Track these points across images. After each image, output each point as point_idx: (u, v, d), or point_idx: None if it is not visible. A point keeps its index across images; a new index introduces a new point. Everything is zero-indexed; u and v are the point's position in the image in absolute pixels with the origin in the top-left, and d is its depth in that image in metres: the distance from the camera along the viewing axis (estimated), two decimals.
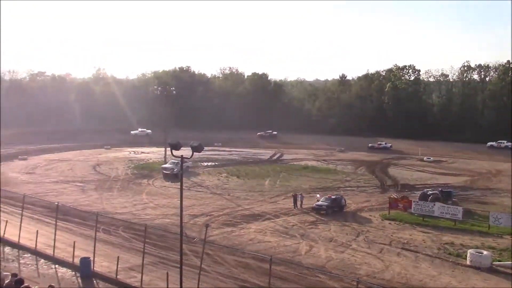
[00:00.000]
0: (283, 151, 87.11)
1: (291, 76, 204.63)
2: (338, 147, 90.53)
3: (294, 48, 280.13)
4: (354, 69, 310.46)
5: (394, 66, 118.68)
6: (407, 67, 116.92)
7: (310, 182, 58.16)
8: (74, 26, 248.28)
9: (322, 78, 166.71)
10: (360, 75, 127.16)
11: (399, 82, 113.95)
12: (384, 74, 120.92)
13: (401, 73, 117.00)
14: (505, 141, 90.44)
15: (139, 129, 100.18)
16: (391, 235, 35.63)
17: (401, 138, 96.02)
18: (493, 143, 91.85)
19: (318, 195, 46.58)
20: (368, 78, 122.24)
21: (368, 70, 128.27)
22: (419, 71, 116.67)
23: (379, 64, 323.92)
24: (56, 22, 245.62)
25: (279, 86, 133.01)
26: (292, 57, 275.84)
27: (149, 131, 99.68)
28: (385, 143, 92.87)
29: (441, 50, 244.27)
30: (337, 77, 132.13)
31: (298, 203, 44.36)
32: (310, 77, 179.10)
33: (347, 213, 42.66)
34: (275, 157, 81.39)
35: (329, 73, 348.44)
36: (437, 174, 65.97)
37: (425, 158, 78.98)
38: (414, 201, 42.55)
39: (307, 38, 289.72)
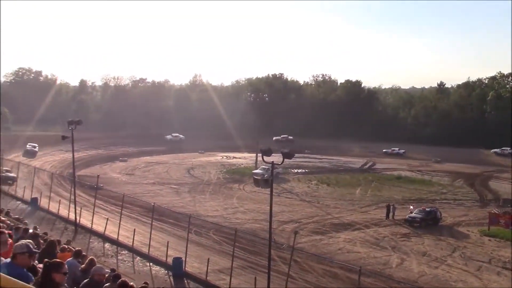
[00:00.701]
0: (375, 160, 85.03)
1: (385, 84, 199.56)
2: (434, 158, 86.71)
3: (389, 55, 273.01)
4: (453, 77, 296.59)
5: (498, 73, 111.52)
6: None
7: (403, 193, 56.28)
8: (173, 35, 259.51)
9: (419, 86, 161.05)
10: (459, 83, 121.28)
11: (504, 91, 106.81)
12: (486, 82, 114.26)
13: (506, 81, 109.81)
14: (508, 148, 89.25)
15: (173, 134, 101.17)
16: (491, 253, 33.55)
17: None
18: (497, 149, 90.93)
19: (411, 207, 44.97)
20: (468, 86, 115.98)
21: (469, 77, 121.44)
22: None
23: (481, 71, 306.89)
24: (156, 31, 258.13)
25: (373, 94, 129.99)
26: (387, 64, 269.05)
27: (182, 136, 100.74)
28: (398, 149, 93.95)
29: None
30: (434, 85, 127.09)
31: (390, 214, 43.09)
32: (405, 85, 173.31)
33: (442, 227, 40.79)
34: (366, 166, 79.68)
35: (426, 81, 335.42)
36: None
37: None
38: None
39: (402, 44, 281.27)
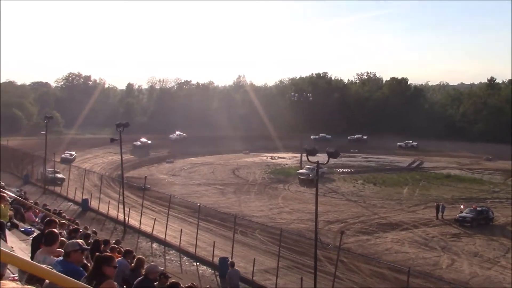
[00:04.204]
0: (423, 158, 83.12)
1: (433, 80, 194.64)
2: (485, 155, 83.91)
3: (437, 51, 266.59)
4: (505, 72, 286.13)
5: None
6: None
7: (453, 192, 54.76)
8: (217, 36, 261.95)
9: (468, 82, 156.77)
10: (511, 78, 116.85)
11: None
12: None
13: None
14: None
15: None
16: None
17: None
18: None
19: (462, 206, 43.73)
20: None
21: None
22: None
23: None
24: (201, 33, 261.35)
25: (420, 91, 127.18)
26: (434, 60, 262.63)
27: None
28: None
29: None
30: (484, 80, 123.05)
31: (439, 213, 42.00)
32: (454, 81, 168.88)
33: (494, 227, 39.44)
34: (414, 165, 77.96)
35: (475, 77, 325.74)
36: None
37: None
38: None
39: (449, 40, 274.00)
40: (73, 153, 68.81)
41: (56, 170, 51.88)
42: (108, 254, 6.80)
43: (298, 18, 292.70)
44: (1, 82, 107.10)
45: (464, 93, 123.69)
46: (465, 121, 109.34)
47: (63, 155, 65.34)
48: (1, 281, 2.37)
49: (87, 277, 6.19)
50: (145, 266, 10.95)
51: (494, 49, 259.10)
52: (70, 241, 6.85)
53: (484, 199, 50.55)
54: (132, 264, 12.13)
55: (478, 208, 40.99)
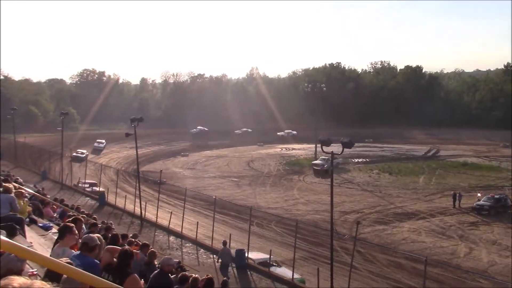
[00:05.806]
0: (439, 147, 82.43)
1: (448, 68, 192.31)
2: (502, 143, 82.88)
3: (451, 38, 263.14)
4: None
5: None
6: None
7: (470, 180, 54.26)
8: (230, 29, 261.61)
9: (484, 69, 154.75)
10: None
11: None
12: None
13: None
14: None
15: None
16: None
17: None
18: None
19: (479, 194, 43.30)
20: None
21: None
22: None
23: None
24: (214, 26, 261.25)
25: (434, 79, 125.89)
26: (449, 47, 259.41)
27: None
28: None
29: None
30: (501, 67, 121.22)
31: (456, 202, 41.68)
32: (469, 68, 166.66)
33: None
34: (430, 153, 77.40)
35: (491, 63, 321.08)
36: None
37: None
38: None
39: (465, 26, 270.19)
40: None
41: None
42: (131, 248, 6.92)
43: (311, 9, 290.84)
44: (17, 80, 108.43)
45: (480, 80, 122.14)
46: (482, 109, 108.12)
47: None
48: (10, 276, 2.42)
49: (111, 272, 6.25)
50: (161, 259, 11.06)
51: (510, 35, 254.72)
52: (88, 235, 6.93)
53: (501, 187, 50.02)
54: (146, 258, 12.29)
55: (495, 196, 40.64)
